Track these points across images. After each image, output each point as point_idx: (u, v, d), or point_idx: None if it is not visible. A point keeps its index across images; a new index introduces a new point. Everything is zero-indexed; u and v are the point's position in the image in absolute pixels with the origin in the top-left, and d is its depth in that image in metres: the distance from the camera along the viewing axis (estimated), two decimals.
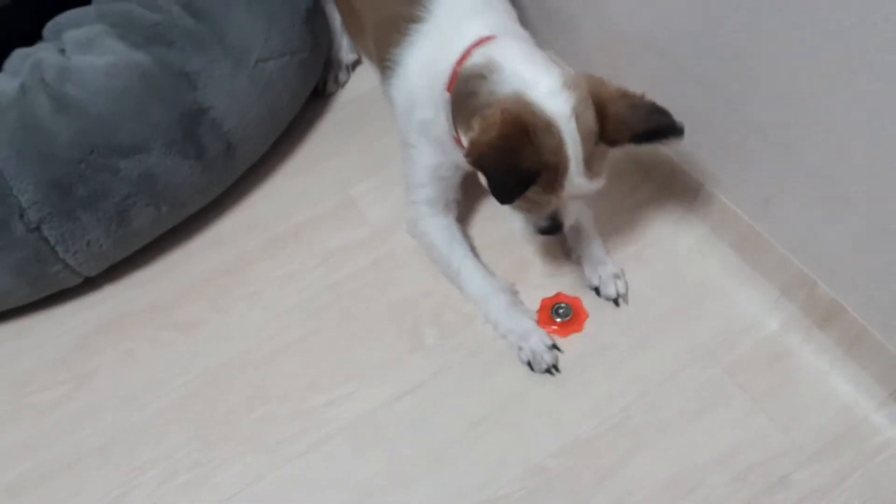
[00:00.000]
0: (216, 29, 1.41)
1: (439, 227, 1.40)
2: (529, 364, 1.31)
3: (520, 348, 1.32)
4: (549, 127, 1.08)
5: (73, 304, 1.43)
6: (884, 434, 1.22)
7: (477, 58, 1.18)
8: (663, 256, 1.43)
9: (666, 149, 1.44)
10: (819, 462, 1.21)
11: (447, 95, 1.22)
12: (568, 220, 1.25)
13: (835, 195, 1.15)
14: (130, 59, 1.35)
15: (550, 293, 1.40)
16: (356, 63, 1.73)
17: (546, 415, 1.27)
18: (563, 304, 1.37)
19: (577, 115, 1.09)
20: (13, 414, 1.32)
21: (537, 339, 1.32)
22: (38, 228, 1.29)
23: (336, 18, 1.66)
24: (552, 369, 1.31)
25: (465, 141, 1.18)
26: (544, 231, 1.25)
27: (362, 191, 1.55)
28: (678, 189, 1.45)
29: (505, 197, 1.12)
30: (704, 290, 1.39)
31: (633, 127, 1.12)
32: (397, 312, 1.39)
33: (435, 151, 1.33)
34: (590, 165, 1.12)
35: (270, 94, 1.47)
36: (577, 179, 1.12)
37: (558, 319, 1.36)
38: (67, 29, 1.43)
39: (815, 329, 1.30)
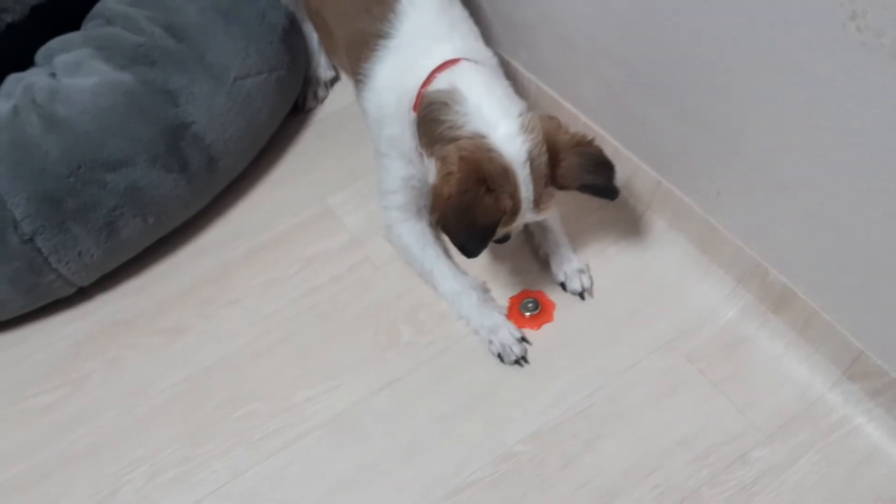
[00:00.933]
0: (196, 49, 1.49)
1: (412, 232, 1.47)
2: (500, 356, 1.37)
3: (490, 342, 1.38)
4: (505, 172, 1.18)
5: (67, 314, 1.50)
6: (838, 412, 1.28)
7: (441, 83, 1.26)
8: (626, 252, 1.50)
9: (627, 150, 1.51)
10: (776, 441, 1.26)
11: (413, 115, 1.30)
12: (515, 233, 1.36)
13: (777, 186, 1.22)
14: (115, 79, 1.43)
15: (525, 288, 1.47)
16: (334, 80, 1.81)
17: (516, 404, 1.33)
18: (530, 300, 1.43)
19: (532, 160, 1.18)
20: (8, 419, 1.37)
21: (506, 332, 1.38)
22: (31, 240, 1.36)
23: (313, 37, 1.74)
24: (521, 360, 1.37)
25: (427, 162, 1.27)
26: (498, 242, 1.35)
27: (340, 200, 1.62)
28: (638, 186, 1.52)
29: (470, 254, 1.21)
30: (665, 283, 1.45)
31: (580, 179, 1.23)
32: (374, 313, 1.46)
33: (405, 164, 1.40)
34: (538, 203, 1.22)
35: (250, 110, 1.55)
36: (527, 215, 1.24)
37: (528, 314, 1.42)
38: (58, 53, 1.51)
39: (770, 315, 1.36)
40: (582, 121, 1.56)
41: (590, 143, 1.25)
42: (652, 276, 1.46)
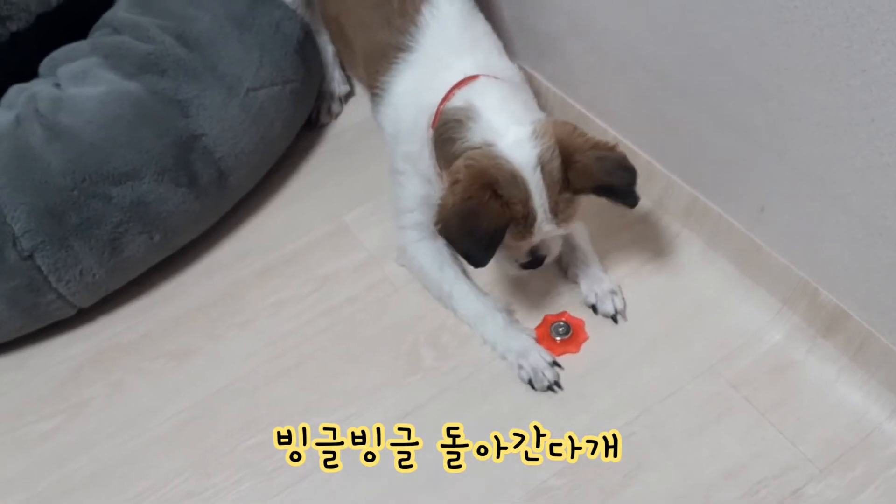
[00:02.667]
0: (208, 58, 1.43)
1: (429, 251, 1.39)
2: (530, 382, 1.29)
3: (520, 366, 1.30)
4: (514, 178, 1.11)
5: (67, 336, 1.41)
6: None
7: (458, 100, 1.21)
8: (661, 272, 1.42)
9: (660, 164, 1.44)
10: (832, 475, 1.17)
11: (431, 132, 1.24)
12: (551, 255, 1.27)
13: (830, 198, 1.14)
14: (123, 88, 1.36)
15: (551, 311, 1.38)
16: (349, 95, 1.75)
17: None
18: (560, 323, 1.35)
19: (543, 165, 1.12)
20: (5, 446, 1.29)
21: (537, 357, 1.29)
22: (31, 257, 1.28)
23: (328, 50, 1.68)
24: (554, 386, 1.28)
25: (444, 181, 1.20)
26: (527, 266, 1.26)
27: (356, 217, 1.54)
28: (673, 203, 1.44)
29: (477, 263, 1.15)
30: (704, 304, 1.37)
31: (595, 179, 1.14)
32: (394, 335, 1.37)
33: (422, 182, 1.34)
34: (557, 212, 1.15)
35: (262, 123, 1.48)
36: (545, 227, 1.15)
37: (557, 338, 1.34)
38: (63, 63, 1.44)
39: (820, 338, 1.27)
40: (611, 134, 1.49)
41: (610, 146, 1.18)
42: (689, 297, 1.38)
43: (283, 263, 1.49)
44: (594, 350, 1.33)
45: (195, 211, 1.42)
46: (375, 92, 1.36)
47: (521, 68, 1.37)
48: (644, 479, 1.18)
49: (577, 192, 1.15)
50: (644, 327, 1.35)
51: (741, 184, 1.29)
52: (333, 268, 1.48)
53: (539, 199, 1.12)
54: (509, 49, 1.42)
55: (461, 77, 1.24)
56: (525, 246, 1.22)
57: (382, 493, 1.20)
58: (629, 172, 1.17)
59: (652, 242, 1.45)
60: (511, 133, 1.14)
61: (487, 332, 1.34)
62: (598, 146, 1.16)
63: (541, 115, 1.20)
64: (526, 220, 1.14)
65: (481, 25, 1.37)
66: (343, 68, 1.72)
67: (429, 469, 1.22)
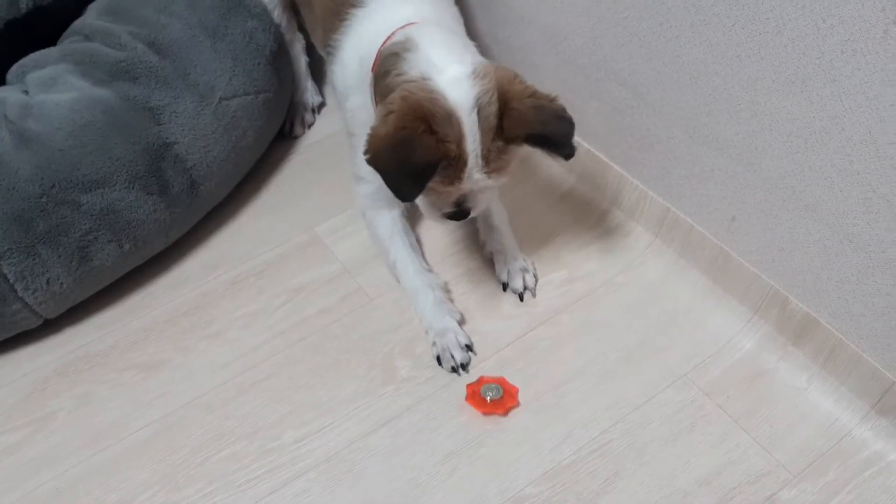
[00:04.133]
0: (180, 66, 1.41)
1: (383, 220, 1.41)
2: (438, 359, 1.31)
3: (434, 343, 1.32)
4: (449, 116, 1.07)
5: (32, 348, 1.37)
6: (870, 448, 1.20)
7: (398, 36, 1.18)
8: (634, 283, 1.43)
9: (633, 177, 1.45)
10: (805, 480, 1.18)
11: (371, 76, 1.21)
12: (476, 209, 1.22)
13: (801, 206, 1.17)
14: (94, 95, 1.34)
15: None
16: (321, 105, 1.74)
17: (525, 442, 1.23)
18: (492, 385, 1.29)
19: (480, 108, 1.07)
20: None
21: (453, 337, 1.32)
22: None
23: (302, 61, 1.68)
24: (460, 369, 1.30)
25: None
26: (450, 217, 1.22)
27: (329, 228, 1.53)
28: (645, 215, 1.46)
29: (404, 195, 1.12)
30: (676, 314, 1.38)
31: (530, 127, 1.10)
32: (368, 346, 1.36)
33: None
34: (489, 160, 1.10)
35: (235, 132, 1.46)
36: (475, 174, 1.11)
37: (489, 399, 1.28)
38: (31, 70, 1.41)
39: (790, 346, 1.29)
40: (584, 147, 1.51)
41: (550, 98, 1.13)
42: (662, 307, 1.39)
43: (254, 275, 1.47)
44: (569, 360, 1.33)
45: (166, 220, 1.40)
46: (329, 51, 1.35)
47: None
48: (621, 487, 1.18)
49: (511, 140, 1.10)
50: (618, 337, 1.36)
51: (713, 195, 1.31)
52: (306, 279, 1.46)
53: (472, 142, 1.07)
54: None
55: (403, 23, 1.20)
56: (453, 193, 1.16)
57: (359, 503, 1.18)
58: (566, 123, 1.12)
59: (624, 253, 1.47)
60: (451, 70, 1.09)
61: (419, 305, 1.36)
62: (536, 95, 1.12)
63: (483, 59, 1.15)
64: (457, 164, 1.09)
65: None
66: (314, 80, 1.72)
67: (406, 480, 1.20)
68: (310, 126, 1.71)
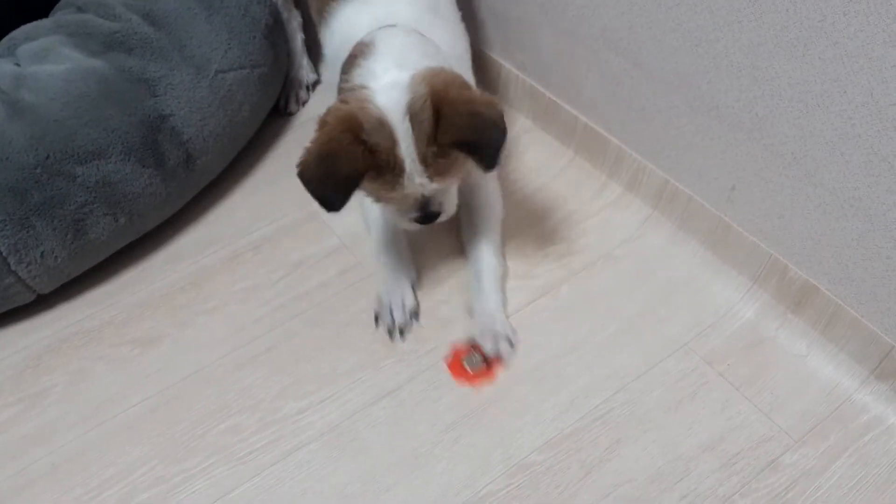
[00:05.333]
0: (175, 38, 1.40)
1: None
2: (376, 317, 1.33)
3: (379, 297, 1.34)
4: (381, 124, 1.06)
5: (25, 324, 1.35)
6: (869, 412, 1.21)
7: (366, 38, 1.18)
8: (633, 254, 1.43)
9: (631, 150, 1.46)
10: (807, 445, 1.19)
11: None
12: (445, 212, 1.20)
13: (801, 172, 1.17)
14: (88, 66, 1.32)
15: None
16: (317, 82, 1.73)
17: (527, 411, 1.23)
18: (476, 357, 1.29)
19: (413, 115, 1.06)
20: None
21: (399, 296, 1.32)
22: None
23: (298, 38, 1.67)
24: (396, 332, 1.31)
25: None
26: (419, 221, 1.20)
27: None
28: (644, 187, 1.46)
29: (329, 205, 1.10)
30: (676, 284, 1.38)
31: (459, 134, 1.08)
32: (368, 320, 1.35)
33: None
34: (429, 165, 1.09)
35: (231, 106, 1.45)
36: (417, 179, 1.10)
37: (469, 368, 1.28)
38: (22, 43, 1.39)
39: (790, 314, 1.30)
40: (582, 121, 1.51)
41: (489, 103, 1.11)
42: (661, 278, 1.39)
43: (251, 250, 1.46)
44: (570, 331, 1.33)
45: (161, 194, 1.38)
46: (323, 16, 1.33)
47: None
48: (624, 454, 1.18)
49: (440, 146, 1.08)
50: (618, 308, 1.36)
51: (712, 164, 1.31)
52: (304, 254, 1.45)
53: (406, 148, 1.06)
54: (478, 38, 1.41)
55: (383, 23, 1.20)
56: (406, 198, 1.14)
57: (362, 475, 1.17)
58: (498, 133, 1.10)
59: (623, 225, 1.47)
60: (387, 77, 1.08)
61: (380, 259, 1.37)
62: (473, 101, 1.10)
63: (431, 65, 1.12)
64: (393, 170, 1.08)
65: None
66: (310, 57, 1.71)
67: (410, 449, 1.19)
68: (304, 103, 1.70)
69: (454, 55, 1.27)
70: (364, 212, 1.41)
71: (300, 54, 1.68)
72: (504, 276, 1.38)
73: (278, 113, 1.67)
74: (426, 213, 1.18)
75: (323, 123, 1.09)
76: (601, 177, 1.52)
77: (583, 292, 1.38)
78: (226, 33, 1.45)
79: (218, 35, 1.44)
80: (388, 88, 1.07)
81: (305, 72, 1.69)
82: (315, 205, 1.49)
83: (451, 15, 1.37)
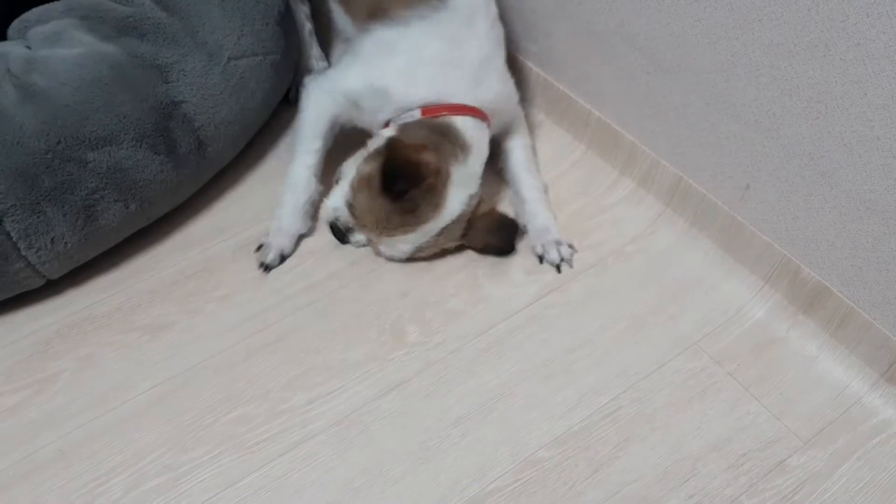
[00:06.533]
0: (188, 24, 1.38)
1: (321, 107, 1.44)
2: (259, 246, 1.43)
3: (266, 234, 1.43)
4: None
5: (33, 309, 1.34)
6: (879, 415, 1.21)
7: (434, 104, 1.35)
8: (645, 252, 1.43)
9: (645, 146, 1.45)
10: (815, 447, 1.19)
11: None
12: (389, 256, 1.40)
13: (818, 173, 1.16)
14: (100, 51, 1.31)
15: None
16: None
17: (536, 407, 1.23)
18: None
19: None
20: None
21: (286, 242, 1.41)
22: (0, 221, 1.22)
23: (306, 27, 1.65)
24: (266, 266, 1.40)
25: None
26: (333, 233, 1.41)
27: None
28: (657, 183, 1.45)
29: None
30: (687, 282, 1.38)
31: (489, 239, 1.37)
32: (378, 312, 1.35)
33: (366, 79, 1.42)
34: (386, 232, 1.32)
35: (243, 93, 1.44)
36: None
37: None
38: (34, 26, 1.38)
39: (801, 315, 1.30)
40: (595, 115, 1.50)
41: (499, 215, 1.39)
42: (672, 275, 1.39)
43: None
44: (579, 328, 1.33)
45: (173, 181, 1.37)
46: (377, 14, 1.40)
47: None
48: (632, 452, 1.18)
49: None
50: (628, 306, 1.36)
51: (727, 163, 1.31)
52: (315, 244, 1.44)
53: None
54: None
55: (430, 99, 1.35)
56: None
57: (369, 467, 1.17)
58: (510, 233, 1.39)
59: (635, 222, 1.46)
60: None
61: (285, 197, 1.42)
62: (492, 213, 1.40)
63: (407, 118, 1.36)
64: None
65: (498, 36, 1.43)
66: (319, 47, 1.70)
67: (418, 443, 1.19)
68: None
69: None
70: (297, 139, 1.45)
71: (309, 44, 1.66)
72: (546, 190, 1.48)
73: (288, 102, 1.65)
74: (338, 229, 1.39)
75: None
76: (613, 172, 1.51)
77: (592, 289, 1.38)
78: (239, 19, 1.44)
79: (231, 21, 1.43)
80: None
81: (315, 61, 1.67)
82: (325, 194, 1.52)
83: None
